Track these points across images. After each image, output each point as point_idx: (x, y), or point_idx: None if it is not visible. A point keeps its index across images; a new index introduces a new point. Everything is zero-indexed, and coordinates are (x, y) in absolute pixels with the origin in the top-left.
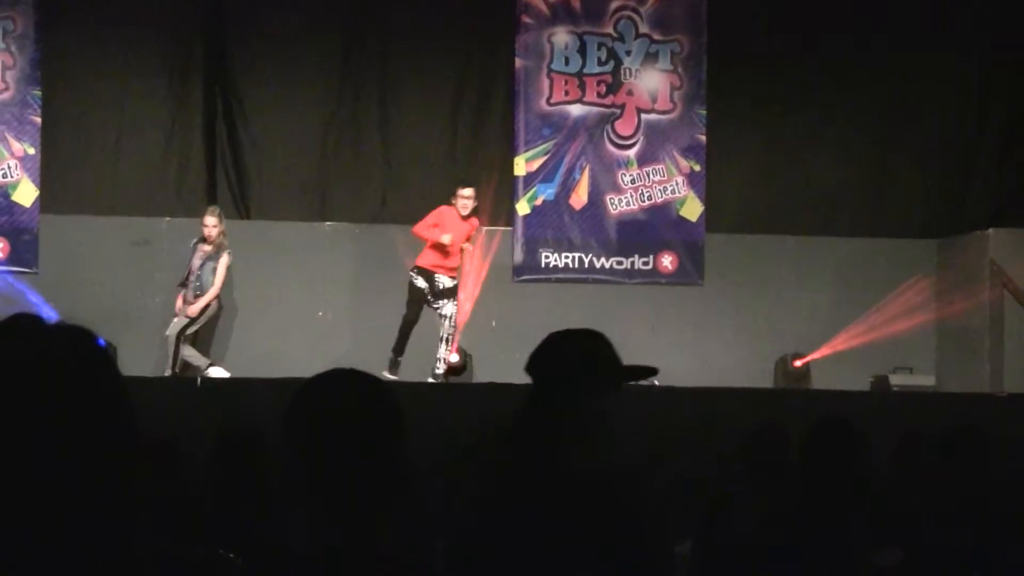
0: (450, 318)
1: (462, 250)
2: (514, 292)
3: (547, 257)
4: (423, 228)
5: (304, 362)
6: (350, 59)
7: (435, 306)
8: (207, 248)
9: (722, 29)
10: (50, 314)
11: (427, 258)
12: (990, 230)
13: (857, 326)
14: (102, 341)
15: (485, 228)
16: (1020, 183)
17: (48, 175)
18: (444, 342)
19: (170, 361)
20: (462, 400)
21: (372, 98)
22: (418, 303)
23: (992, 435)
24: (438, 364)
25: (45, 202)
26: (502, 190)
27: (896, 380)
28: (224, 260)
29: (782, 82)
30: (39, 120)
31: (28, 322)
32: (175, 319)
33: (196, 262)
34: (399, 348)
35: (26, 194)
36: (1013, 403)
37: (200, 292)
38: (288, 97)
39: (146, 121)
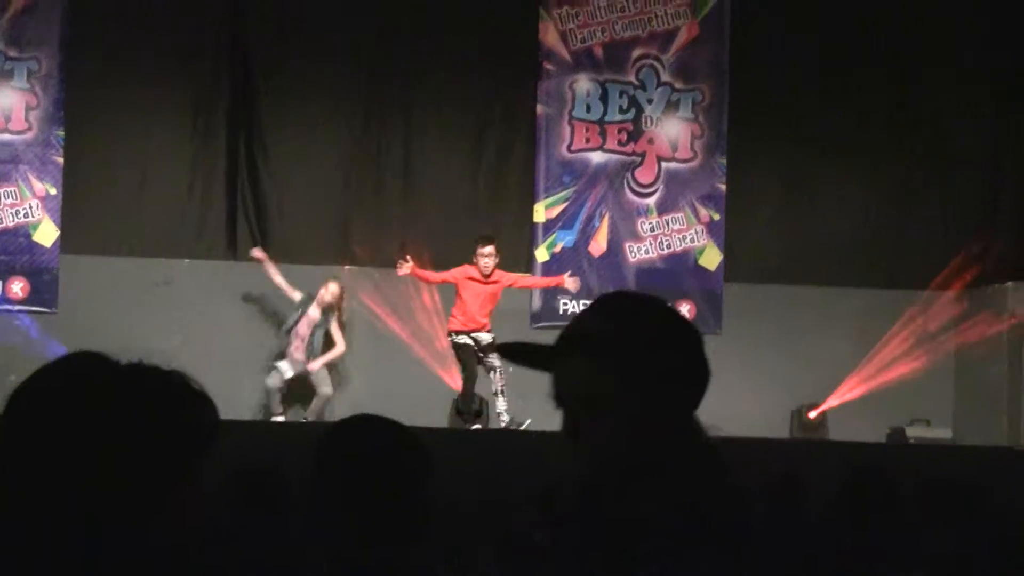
0: (499, 370)
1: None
2: (531, 339)
3: (565, 304)
4: (430, 274)
5: (328, 407)
6: (373, 104)
7: (486, 363)
8: (315, 315)
9: (744, 78)
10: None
11: (457, 321)
12: (1009, 283)
13: (863, 373)
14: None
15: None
16: None
17: (69, 215)
18: (500, 395)
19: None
20: (478, 445)
21: (394, 142)
22: (471, 358)
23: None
24: (501, 417)
25: (66, 242)
26: (521, 236)
27: (913, 432)
28: (337, 325)
29: (803, 133)
30: (61, 160)
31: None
32: (280, 367)
33: (303, 329)
34: (467, 407)
35: (47, 234)
36: None
37: (312, 358)
38: (310, 140)
39: (168, 162)
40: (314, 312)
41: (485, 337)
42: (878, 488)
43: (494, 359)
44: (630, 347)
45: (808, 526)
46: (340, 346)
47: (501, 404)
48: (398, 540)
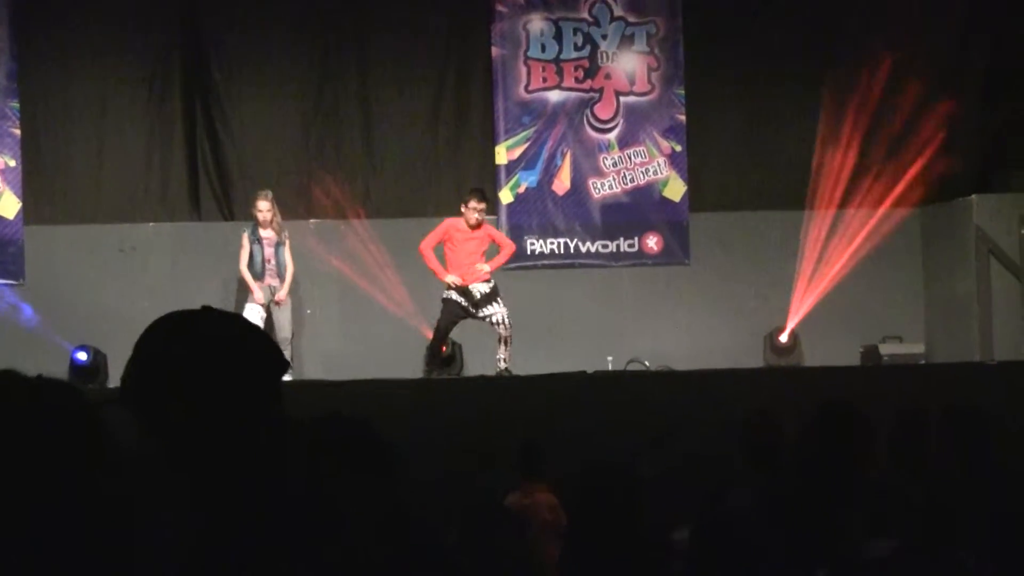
0: (502, 321)
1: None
2: (500, 280)
3: (532, 244)
4: (428, 247)
5: (296, 361)
6: (328, 56)
7: (481, 316)
8: (271, 235)
9: (697, 8)
10: (34, 321)
11: (456, 273)
12: (973, 196)
13: (825, 288)
14: (79, 354)
15: None
16: (1001, 148)
17: (31, 186)
18: (503, 344)
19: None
20: (454, 394)
21: (351, 94)
22: (449, 315)
23: (988, 415)
24: (498, 363)
25: (29, 213)
26: (485, 180)
27: (886, 349)
28: (288, 243)
29: (758, 58)
30: (19, 132)
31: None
32: (253, 308)
33: (268, 251)
34: (435, 349)
35: (9, 206)
36: (1004, 371)
37: (283, 278)
38: (267, 96)
39: (126, 128)
40: (266, 233)
41: (483, 288)
42: (847, 425)
43: (494, 313)
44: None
45: (784, 465)
46: (291, 266)
47: (501, 352)
48: None
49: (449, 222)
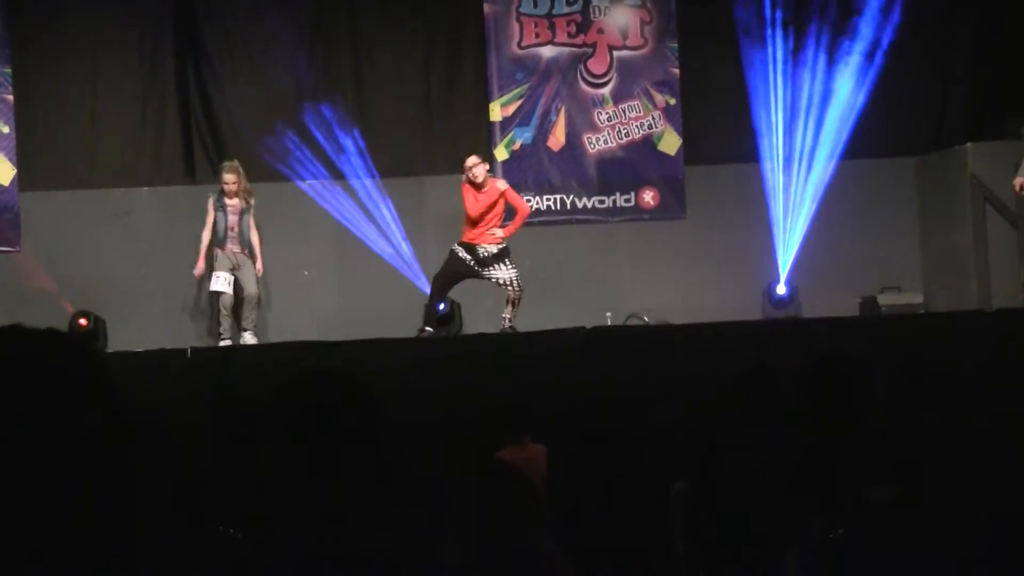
0: (510, 282)
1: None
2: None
3: (528, 201)
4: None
5: (293, 323)
6: (319, 19)
7: (486, 276)
8: (236, 203)
9: None
10: None
11: (468, 233)
12: (968, 144)
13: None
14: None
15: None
16: (995, 96)
17: (25, 152)
18: (511, 304)
19: (227, 324)
20: (452, 352)
21: (344, 56)
22: (449, 269)
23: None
24: (502, 322)
25: (24, 180)
26: (480, 137)
27: (884, 300)
28: (253, 211)
29: (752, 9)
30: (11, 98)
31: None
32: (220, 276)
33: (232, 218)
34: (431, 304)
35: (4, 173)
36: (1002, 319)
37: (246, 247)
38: (259, 58)
39: (120, 92)
40: (231, 200)
41: (490, 249)
42: (843, 378)
43: (500, 272)
44: None
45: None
46: (255, 233)
47: (507, 312)
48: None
49: (465, 187)
